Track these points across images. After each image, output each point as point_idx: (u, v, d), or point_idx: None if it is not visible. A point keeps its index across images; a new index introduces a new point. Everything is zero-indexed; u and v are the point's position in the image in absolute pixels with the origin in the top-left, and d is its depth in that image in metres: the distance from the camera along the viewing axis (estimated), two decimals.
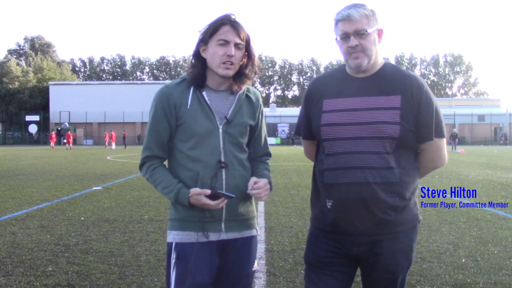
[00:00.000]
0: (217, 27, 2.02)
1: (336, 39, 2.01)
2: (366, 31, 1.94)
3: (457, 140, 35.58)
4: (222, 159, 2.03)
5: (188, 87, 2.07)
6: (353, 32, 1.94)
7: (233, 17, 2.05)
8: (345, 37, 1.96)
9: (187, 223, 2.05)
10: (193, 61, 2.10)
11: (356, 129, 1.96)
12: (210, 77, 2.09)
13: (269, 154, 2.28)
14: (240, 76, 2.09)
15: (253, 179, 2.07)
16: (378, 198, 1.92)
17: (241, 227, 2.12)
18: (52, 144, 42.82)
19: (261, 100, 2.23)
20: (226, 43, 2.01)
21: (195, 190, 1.97)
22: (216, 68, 2.03)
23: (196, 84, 2.06)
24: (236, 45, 2.02)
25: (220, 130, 2.05)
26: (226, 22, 2.02)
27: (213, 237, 2.05)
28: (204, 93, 2.06)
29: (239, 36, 2.03)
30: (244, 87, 2.13)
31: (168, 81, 2.27)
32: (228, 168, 2.05)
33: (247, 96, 2.15)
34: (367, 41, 1.95)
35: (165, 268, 2.13)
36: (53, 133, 46.35)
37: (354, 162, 1.94)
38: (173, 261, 2.04)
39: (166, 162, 2.16)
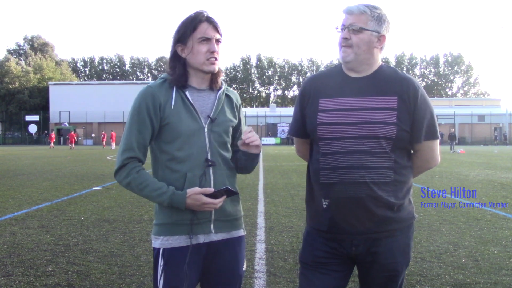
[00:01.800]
0: (195, 25, 2.01)
1: (336, 28, 2.06)
2: (359, 28, 1.96)
3: (455, 141, 35.15)
4: (209, 158, 2.02)
5: (171, 87, 2.04)
6: (348, 25, 1.98)
7: (206, 13, 2.05)
8: (341, 28, 2.01)
9: (176, 226, 2.00)
10: (171, 63, 2.07)
11: (352, 129, 1.96)
12: (192, 76, 2.08)
13: None
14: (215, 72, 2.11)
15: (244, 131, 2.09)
16: (375, 197, 1.94)
17: (230, 227, 2.10)
18: (51, 144, 42.69)
19: (239, 100, 2.24)
20: (207, 40, 2.01)
21: (194, 190, 1.93)
22: (201, 66, 2.03)
23: (178, 85, 2.04)
24: (217, 41, 2.03)
25: (206, 129, 2.03)
26: (203, 19, 2.01)
27: (202, 238, 2.03)
28: (187, 93, 2.04)
29: (218, 32, 2.04)
30: (219, 81, 2.12)
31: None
32: (215, 167, 2.03)
33: (227, 95, 2.16)
34: (359, 38, 1.97)
35: (153, 273, 2.08)
36: (53, 133, 46.23)
37: (351, 161, 1.95)
38: (160, 267, 1.99)
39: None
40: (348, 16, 1.99)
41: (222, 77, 2.15)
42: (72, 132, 44.60)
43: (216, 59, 2.03)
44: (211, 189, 1.94)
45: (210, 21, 2.03)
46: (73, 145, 41.15)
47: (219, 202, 1.95)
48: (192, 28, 2.00)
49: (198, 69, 2.05)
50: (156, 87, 2.03)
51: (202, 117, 2.04)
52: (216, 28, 2.03)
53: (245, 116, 2.52)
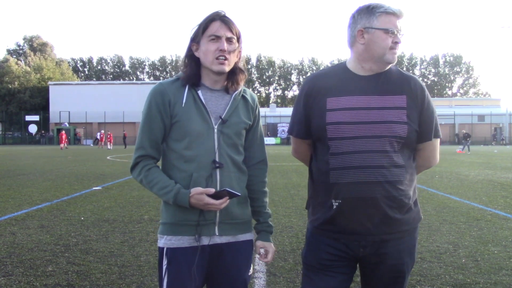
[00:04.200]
0: (207, 23, 1.98)
1: (370, 29, 1.94)
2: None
3: (469, 140, 32.93)
4: (217, 159, 1.98)
5: (183, 85, 2.00)
6: (400, 29, 1.95)
7: (222, 13, 2.01)
8: (393, 31, 1.94)
9: (180, 227, 1.98)
10: (186, 61, 2.05)
11: (364, 128, 1.93)
12: (205, 76, 2.04)
13: (265, 161, 2.20)
14: (233, 73, 2.04)
15: (259, 245, 2.14)
16: (390, 197, 1.91)
17: (236, 231, 2.06)
18: (61, 145, 42.22)
19: (257, 103, 2.18)
20: (217, 38, 1.95)
21: (197, 190, 1.90)
22: (210, 64, 1.98)
23: (190, 83, 2.01)
24: (228, 40, 1.97)
25: (215, 130, 1.98)
26: (216, 18, 1.98)
27: (206, 240, 1.99)
28: (199, 92, 2.01)
29: (231, 31, 1.98)
30: (241, 84, 2.08)
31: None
32: (223, 169, 1.98)
33: (243, 97, 2.10)
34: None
35: (158, 273, 2.08)
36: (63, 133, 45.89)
37: (363, 161, 1.91)
38: (164, 266, 1.98)
39: (159, 164, 2.10)
40: (398, 18, 1.94)
41: (243, 79, 2.07)
42: (62, 131, 44.25)
43: (225, 58, 1.96)
44: (212, 190, 1.91)
45: (223, 20, 1.99)
46: (65, 145, 41.09)
47: (220, 203, 1.90)
48: (204, 27, 1.98)
49: (209, 69, 2.01)
50: (167, 84, 2.01)
51: (213, 118, 2.00)
52: (229, 27, 1.98)
53: None
